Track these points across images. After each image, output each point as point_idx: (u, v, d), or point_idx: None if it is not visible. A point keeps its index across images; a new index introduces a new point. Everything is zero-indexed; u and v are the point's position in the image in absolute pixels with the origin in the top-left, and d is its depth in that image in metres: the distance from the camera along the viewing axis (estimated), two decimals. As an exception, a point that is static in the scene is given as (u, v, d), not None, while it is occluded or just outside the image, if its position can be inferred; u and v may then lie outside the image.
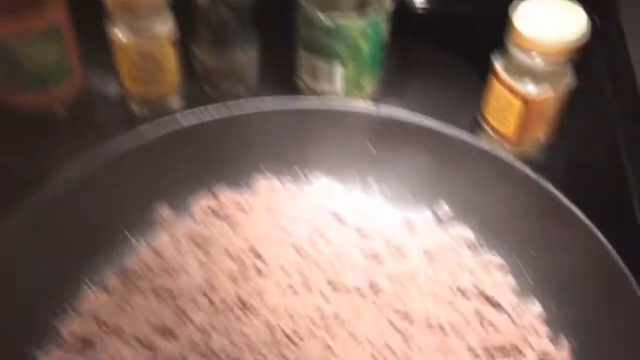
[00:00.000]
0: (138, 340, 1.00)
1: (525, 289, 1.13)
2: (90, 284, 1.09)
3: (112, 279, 1.09)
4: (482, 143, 1.17)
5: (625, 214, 1.24)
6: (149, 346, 1.00)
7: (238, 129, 1.20)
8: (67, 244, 1.07)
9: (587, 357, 1.02)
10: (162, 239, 1.15)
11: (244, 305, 1.06)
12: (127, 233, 1.16)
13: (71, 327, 1.02)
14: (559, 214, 1.09)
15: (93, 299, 1.06)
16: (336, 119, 1.24)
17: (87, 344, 1.01)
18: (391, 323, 1.05)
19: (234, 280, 1.09)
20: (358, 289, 1.09)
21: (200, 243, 1.15)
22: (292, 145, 1.25)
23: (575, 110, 1.28)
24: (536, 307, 1.10)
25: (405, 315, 1.06)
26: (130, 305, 1.05)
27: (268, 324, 1.03)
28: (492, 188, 1.17)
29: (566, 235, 1.08)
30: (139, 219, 1.18)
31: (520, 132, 1.25)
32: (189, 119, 1.16)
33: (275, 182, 1.25)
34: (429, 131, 1.19)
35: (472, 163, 1.18)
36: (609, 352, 0.99)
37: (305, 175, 1.27)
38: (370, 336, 1.03)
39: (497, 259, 1.16)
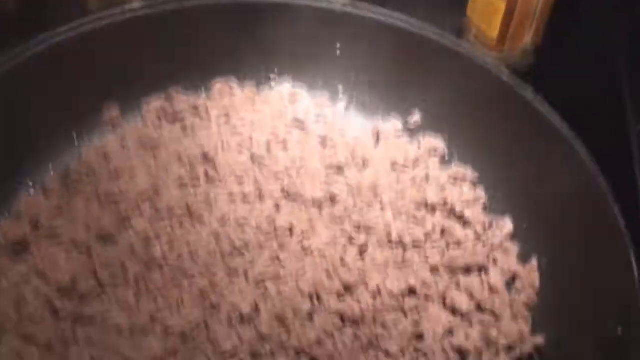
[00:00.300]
0: (75, 245, 0.94)
1: (497, 206, 1.05)
2: (29, 185, 1.03)
3: (53, 181, 1.02)
4: (460, 46, 1.07)
5: (616, 124, 1.13)
6: (86, 252, 0.94)
7: (194, 23, 1.09)
8: (4, 143, 1.00)
9: (556, 276, 0.95)
10: (109, 141, 1.07)
11: (190, 214, 0.99)
12: (72, 134, 1.08)
13: (5, 229, 0.95)
14: (539, 126, 0.99)
15: (30, 200, 0.99)
16: (305, 16, 1.13)
17: (21, 247, 0.94)
18: (347, 236, 0.98)
19: (182, 187, 1.02)
20: (315, 201, 1.01)
21: (150, 146, 1.07)
22: (254, 46, 1.15)
23: (567, 14, 1.17)
24: (507, 225, 1.02)
25: (364, 229, 0.99)
26: (70, 209, 0.98)
27: (215, 234, 0.96)
28: (469, 97, 1.08)
29: (545, 149, 1.00)
30: (85, 120, 1.09)
31: (505, 35, 1.14)
32: (137, 10, 1.06)
33: (234, 86, 1.15)
34: (401, 32, 1.08)
35: (448, 68, 1.08)
36: (580, 272, 0.91)
37: (268, 80, 1.18)
38: (324, 249, 0.96)
39: (469, 173, 1.07)
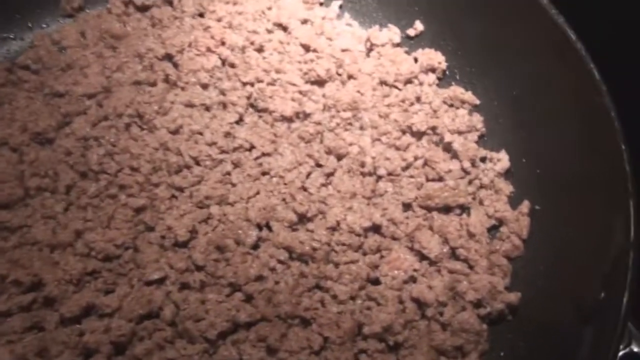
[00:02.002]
0: (5, 143, 0.84)
1: (495, 136, 0.90)
2: (-28, 75, 0.93)
3: (-3, 72, 0.92)
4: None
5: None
6: (17, 150, 0.84)
7: None
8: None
9: (546, 228, 0.81)
10: (66, 30, 0.96)
11: (140, 120, 0.87)
12: (25, 20, 0.97)
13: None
14: (555, 46, 0.82)
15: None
16: None
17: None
18: (314, 159, 0.85)
19: (137, 89, 0.90)
20: (284, 117, 0.89)
21: (110, 39, 0.95)
22: None
23: None
24: (502, 160, 0.87)
25: (335, 153, 0.86)
26: (10, 104, 0.88)
27: (163, 145, 0.85)
28: (481, 5, 0.91)
29: (561, 76, 0.83)
30: (42, 5, 0.98)
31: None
32: None
33: (214, -24, 1.01)
34: None
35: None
36: (574, 225, 0.77)
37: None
38: (284, 172, 0.84)
39: (468, 95, 0.92)
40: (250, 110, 0.90)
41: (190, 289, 0.75)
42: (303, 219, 0.81)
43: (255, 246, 0.79)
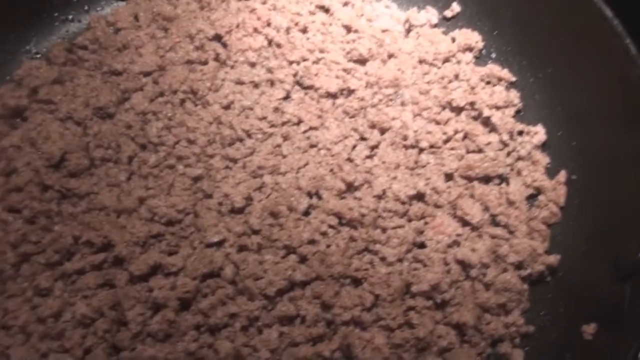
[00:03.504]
0: (71, 118, 0.90)
1: (531, 111, 0.94)
2: (32, 52, 0.99)
3: (57, 51, 0.97)
4: None
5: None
6: (82, 127, 0.90)
7: None
8: (8, 4, 0.96)
9: (583, 195, 0.85)
10: (120, 13, 1.01)
11: (194, 96, 0.92)
12: (82, 3, 1.02)
13: (3, 94, 0.91)
14: (590, 23, 0.86)
15: (32, 67, 0.94)
16: None
17: (16, 113, 0.91)
18: (358, 133, 0.90)
19: (190, 67, 0.95)
20: (329, 93, 0.93)
21: (162, 22, 1.00)
22: None
23: None
24: (539, 133, 0.91)
25: (378, 127, 0.91)
26: (71, 81, 0.94)
27: (217, 120, 0.90)
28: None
29: (597, 53, 0.87)
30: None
31: None
32: None
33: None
34: None
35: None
36: (608, 193, 0.81)
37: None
38: (331, 145, 0.89)
39: (505, 74, 0.96)
40: (297, 87, 0.95)
41: (248, 250, 0.80)
42: (351, 187, 0.86)
43: (307, 213, 0.84)
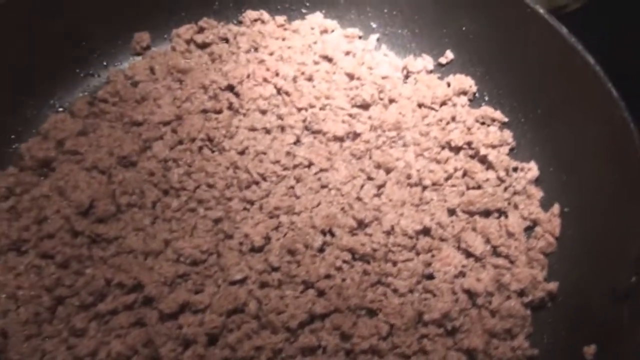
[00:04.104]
0: (97, 168, 0.96)
1: (524, 149, 1.02)
2: (57, 108, 1.05)
3: (80, 104, 1.03)
4: (497, -18, 1.02)
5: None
6: (107, 175, 0.95)
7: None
8: (39, 65, 1.02)
9: (577, 225, 0.92)
10: (137, 67, 1.08)
11: (211, 143, 0.99)
12: (101, 59, 1.09)
13: (31, 147, 0.97)
14: (575, 70, 0.94)
15: (57, 121, 1.00)
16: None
17: (44, 164, 0.97)
18: (365, 173, 0.97)
19: (205, 116, 1.02)
20: (337, 137, 1.00)
21: (177, 74, 1.07)
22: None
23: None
24: (532, 169, 0.98)
25: (384, 168, 0.97)
26: (95, 133, 1.00)
27: (233, 164, 0.97)
28: (503, 34, 1.03)
29: (580, 95, 0.95)
30: (115, 45, 1.10)
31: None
32: None
33: (265, 17, 1.13)
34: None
35: (483, 4, 1.03)
36: (601, 222, 0.88)
37: (300, 11, 1.15)
38: (341, 185, 0.95)
39: (498, 115, 1.03)
40: (306, 132, 1.02)
41: (270, 286, 0.86)
42: (361, 224, 0.92)
43: (322, 249, 0.90)
